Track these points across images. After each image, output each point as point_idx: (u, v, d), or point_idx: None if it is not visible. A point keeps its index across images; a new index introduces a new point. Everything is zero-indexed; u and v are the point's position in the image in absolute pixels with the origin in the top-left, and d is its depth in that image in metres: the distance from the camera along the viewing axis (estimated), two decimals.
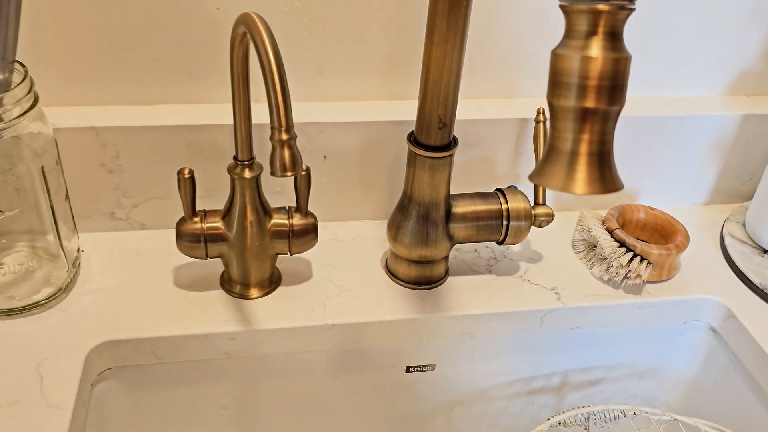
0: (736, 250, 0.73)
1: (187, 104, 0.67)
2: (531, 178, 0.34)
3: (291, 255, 0.62)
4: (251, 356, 0.62)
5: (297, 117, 0.66)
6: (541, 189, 0.67)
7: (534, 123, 0.68)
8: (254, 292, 0.63)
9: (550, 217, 0.66)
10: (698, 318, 0.70)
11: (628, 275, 0.66)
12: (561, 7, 0.31)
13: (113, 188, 0.66)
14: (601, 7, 0.30)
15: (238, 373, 0.64)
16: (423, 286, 0.66)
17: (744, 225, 0.76)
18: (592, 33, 0.30)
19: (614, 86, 0.31)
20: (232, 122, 0.63)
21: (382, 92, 0.70)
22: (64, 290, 0.61)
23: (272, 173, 0.44)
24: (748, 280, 0.69)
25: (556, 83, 0.32)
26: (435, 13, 0.52)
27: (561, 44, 0.32)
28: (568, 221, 0.76)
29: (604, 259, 0.68)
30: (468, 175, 0.72)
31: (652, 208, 0.73)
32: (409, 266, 0.65)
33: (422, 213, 0.61)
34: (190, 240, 0.59)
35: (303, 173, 0.43)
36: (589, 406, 0.66)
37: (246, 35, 0.49)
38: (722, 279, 0.70)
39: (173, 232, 0.69)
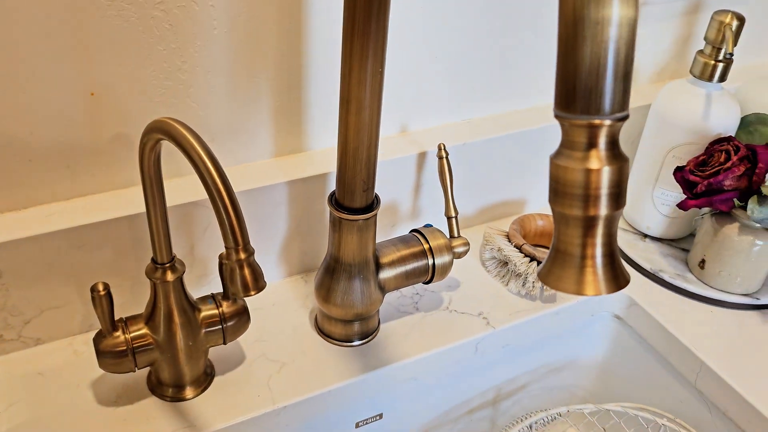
0: (622, 240, 0.79)
1: (69, 200, 0.60)
2: (541, 279, 0.34)
3: (226, 344, 0.58)
4: None
5: (200, 193, 0.61)
6: (454, 222, 0.68)
7: (437, 159, 0.68)
8: (190, 391, 0.59)
9: (467, 246, 0.67)
10: (604, 309, 0.76)
11: (543, 287, 0.70)
12: (556, 117, 0.32)
13: None
14: (600, 122, 0.30)
15: None
16: (359, 342, 0.65)
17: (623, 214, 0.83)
18: (592, 145, 0.31)
19: (619, 192, 0.32)
20: (123, 215, 0.58)
21: (272, 151, 0.67)
22: None
23: (233, 294, 0.41)
24: (640, 266, 0.76)
25: (559, 192, 0.32)
26: (351, 82, 0.50)
27: (560, 153, 0.32)
28: (470, 238, 0.79)
29: (518, 275, 0.71)
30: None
31: (547, 215, 0.77)
32: (344, 326, 0.63)
33: (353, 273, 0.60)
34: (114, 356, 0.54)
35: (257, 291, 0.40)
36: (529, 416, 0.70)
37: (159, 141, 0.45)
38: None
39: (77, 339, 0.62)
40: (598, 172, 0.31)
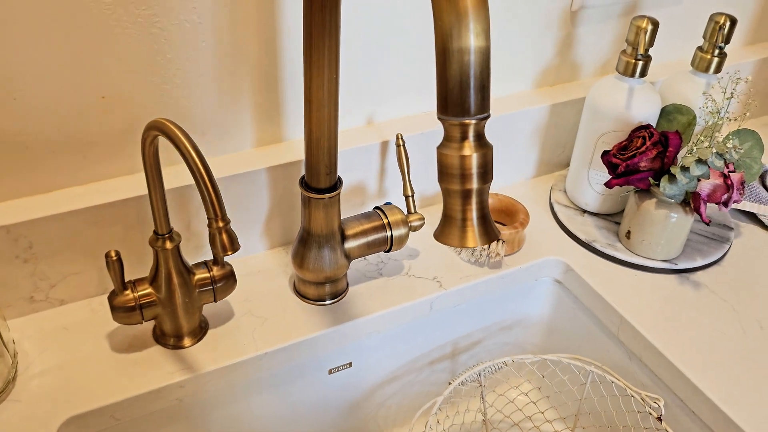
0: (564, 214, 0.91)
1: (87, 184, 0.72)
2: (436, 237, 0.46)
3: (216, 302, 0.71)
4: (200, 396, 0.71)
5: (187, 179, 0.73)
6: (411, 200, 0.80)
7: (395, 147, 0.80)
8: (188, 341, 0.71)
9: (422, 221, 0.79)
10: (545, 275, 0.88)
11: (489, 255, 0.82)
12: (439, 118, 0.44)
13: (29, 275, 0.71)
14: (468, 121, 0.42)
15: (190, 412, 0.72)
16: (330, 301, 0.77)
17: (565, 191, 0.94)
18: (464, 138, 0.43)
19: (486, 171, 0.44)
20: (130, 196, 0.70)
21: (250, 141, 0.79)
22: (11, 381, 0.66)
23: (215, 254, 0.53)
24: (577, 238, 0.88)
25: (443, 173, 0.44)
26: (311, 87, 0.62)
27: (443, 145, 0.44)
28: (430, 216, 0.90)
29: None
30: (346, 196, 0.83)
31: (497, 194, 0.89)
32: (317, 287, 0.76)
33: (322, 243, 0.73)
34: (125, 311, 0.66)
35: (233, 251, 0.52)
36: (478, 365, 0.82)
37: (156, 137, 0.57)
38: (558, 240, 0.88)
39: (94, 300, 0.75)
40: (469, 158, 0.43)
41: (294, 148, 0.80)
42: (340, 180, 0.71)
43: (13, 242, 0.68)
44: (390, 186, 0.86)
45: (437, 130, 0.85)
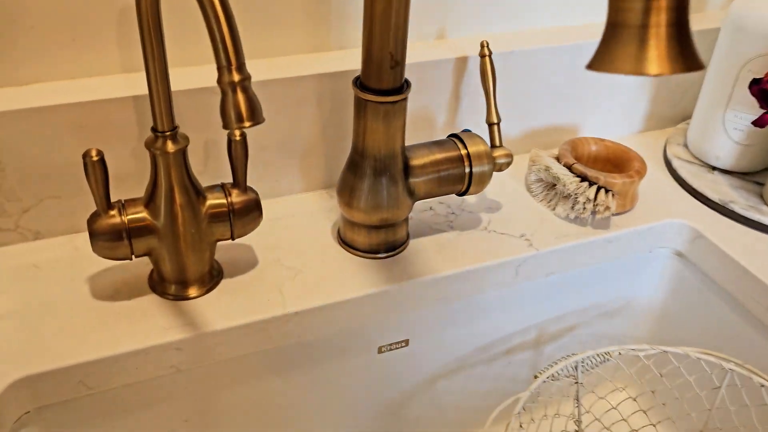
0: (686, 171, 0.71)
1: (74, 79, 0.55)
2: (591, 66, 0.27)
3: (234, 239, 0.53)
4: (203, 366, 0.52)
5: (208, 79, 0.56)
6: (496, 129, 0.61)
7: (479, 59, 0.61)
8: (194, 290, 0.53)
9: (510, 158, 0.60)
10: (663, 244, 0.67)
11: (596, 209, 0.62)
12: None
13: None
14: None
15: (189, 389, 0.54)
16: (385, 254, 0.58)
17: (686, 146, 0.74)
18: None
19: None
20: (135, 94, 0.53)
21: (301, 45, 0.61)
22: None
23: (225, 126, 0.35)
24: (707, 198, 0.67)
25: None
26: None
27: None
28: (515, 165, 0.71)
29: (567, 196, 0.64)
30: (409, 125, 0.65)
31: (602, 139, 0.69)
32: (368, 233, 0.57)
33: (378, 169, 0.54)
34: (109, 238, 0.48)
35: (253, 123, 0.33)
36: (575, 354, 0.62)
37: None
38: (681, 202, 0.68)
39: (79, 237, 0.58)
40: None
41: (349, 58, 0.61)
42: (407, 82, 0.52)
43: None
44: (465, 116, 0.67)
45: (531, 51, 0.66)
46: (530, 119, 0.71)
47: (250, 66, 0.58)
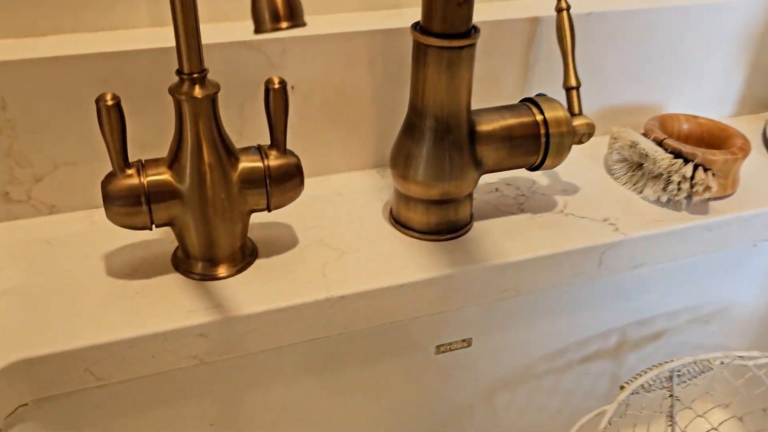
0: None
1: (96, 32, 0.49)
2: None
3: (270, 210, 0.45)
4: (230, 358, 0.45)
5: (243, 33, 0.49)
6: (575, 95, 0.52)
7: (555, 13, 0.53)
8: (223, 269, 0.45)
9: (592, 128, 0.51)
10: None
11: (693, 191, 0.53)
12: None
13: (3, 155, 0.47)
14: None
15: (214, 386, 0.46)
16: (445, 236, 0.50)
17: None
18: None
19: None
20: (159, 46, 0.46)
21: (354, 3, 0.54)
22: None
23: (257, 29, 0.28)
24: None
25: None
26: None
27: None
28: (591, 145, 0.62)
29: (657, 176, 0.54)
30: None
31: (695, 116, 0.60)
32: (426, 210, 0.49)
33: (440, 132, 0.46)
34: (125, 202, 0.41)
35: (292, 24, 0.26)
36: (670, 362, 0.52)
37: None
38: None
39: (98, 212, 0.51)
40: None
41: (403, 15, 0.54)
42: (476, 27, 0.44)
43: None
44: (536, 85, 0.59)
45: (615, 13, 0.57)
46: (606, 96, 0.62)
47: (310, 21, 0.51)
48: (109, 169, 0.42)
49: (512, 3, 0.58)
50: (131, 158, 0.43)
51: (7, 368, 0.38)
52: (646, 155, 0.55)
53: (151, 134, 0.49)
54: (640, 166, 0.56)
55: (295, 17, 0.28)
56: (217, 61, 0.47)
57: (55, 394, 0.41)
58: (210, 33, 0.48)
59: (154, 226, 0.43)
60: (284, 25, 0.27)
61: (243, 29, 0.50)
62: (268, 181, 0.44)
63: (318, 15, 0.53)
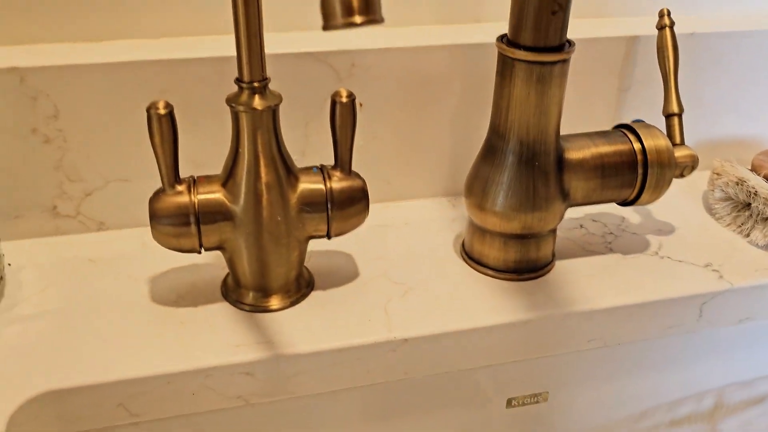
0: None
1: (156, 39, 0.46)
2: None
3: (330, 237, 0.40)
4: (278, 401, 0.40)
5: (320, 44, 0.45)
6: (677, 123, 0.46)
7: (656, 31, 0.48)
8: (276, 300, 0.41)
9: (696, 161, 0.45)
10: None
11: None
12: None
13: (52, 167, 0.44)
14: None
15: (259, 431, 0.41)
16: (524, 275, 0.44)
17: None
18: None
19: None
20: (227, 54, 0.43)
21: (430, 16, 0.50)
22: None
23: (326, 24, 0.23)
24: None
25: None
26: None
27: None
28: (689, 181, 0.56)
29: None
30: None
31: None
32: (504, 245, 0.43)
33: (525, 156, 0.41)
34: (172, 222, 0.38)
35: (368, 20, 0.22)
36: None
37: None
38: None
39: (149, 231, 0.47)
40: None
41: (485, 30, 0.50)
42: (570, 41, 0.39)
43: (30, 102, 0.42)
44: (631, 111, 0.53)
45: (719, 35, 0.52)
46: (706, 126, 0.56)
47: (370, 32, 0.47)
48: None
49: (606, 20, 0.52)
50: (184, 175, 0.39)
51: (35, 399, 0.35)
52: (756, 194, 0.48)
53: (208, 151, 0.46)
54: (748, 206, 0.49)
55: (371, 11, 0.23)
56: (279, 74, 0.43)
57: (85, 430, 0.37)
58: (273, 43, 0.45)
59: (203, 249, 0.39)
60: (358, 19, 0.23)
61: (308, 39, 0.46)
62: (329, 205, 0.39)
63: (391, 27, 0.49)
